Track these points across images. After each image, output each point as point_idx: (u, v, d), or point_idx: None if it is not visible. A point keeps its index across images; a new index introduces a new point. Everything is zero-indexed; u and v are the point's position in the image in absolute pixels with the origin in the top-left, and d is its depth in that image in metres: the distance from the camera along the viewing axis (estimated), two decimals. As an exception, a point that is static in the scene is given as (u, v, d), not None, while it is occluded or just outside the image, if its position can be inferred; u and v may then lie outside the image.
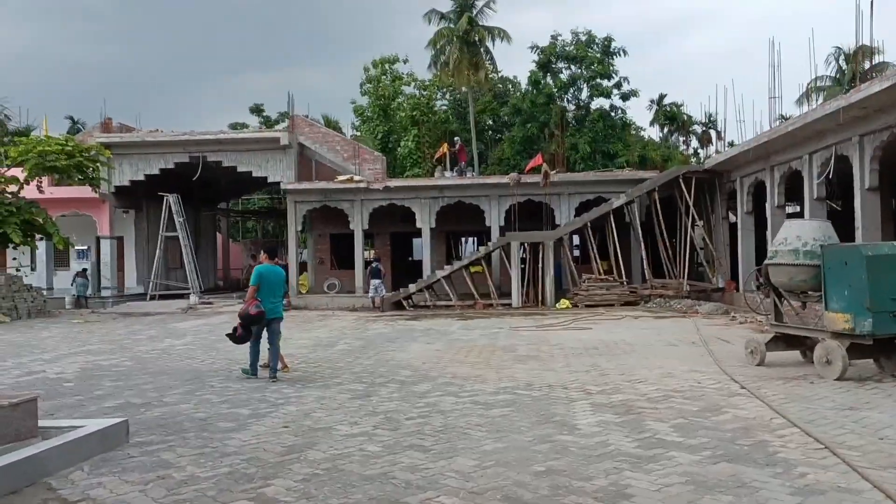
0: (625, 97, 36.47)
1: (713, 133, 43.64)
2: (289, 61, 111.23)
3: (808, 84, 34.38)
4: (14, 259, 25.91)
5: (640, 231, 23.26)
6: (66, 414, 7.61)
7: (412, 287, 23.40)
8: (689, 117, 44.31)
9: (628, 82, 36.19)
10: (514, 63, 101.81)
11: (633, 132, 39.76)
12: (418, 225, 25.22)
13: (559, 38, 36.70)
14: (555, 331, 15.45)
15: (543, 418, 6.94)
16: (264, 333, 9.77)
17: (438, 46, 36.58)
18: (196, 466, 5.53)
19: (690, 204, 22.26)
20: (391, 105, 38.92)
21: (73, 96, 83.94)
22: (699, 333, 14.03)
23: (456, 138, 30.81)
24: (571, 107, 37.53)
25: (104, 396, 8.63)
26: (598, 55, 35.62)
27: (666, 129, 45.35)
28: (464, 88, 37.78)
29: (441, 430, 6.52)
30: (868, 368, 8.95)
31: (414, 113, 37.38)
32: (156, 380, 9.81)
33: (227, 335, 9.99)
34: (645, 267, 22.90)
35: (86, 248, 28.12)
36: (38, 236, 23.60)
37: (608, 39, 36.12)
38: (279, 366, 9.86)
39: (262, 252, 10.40)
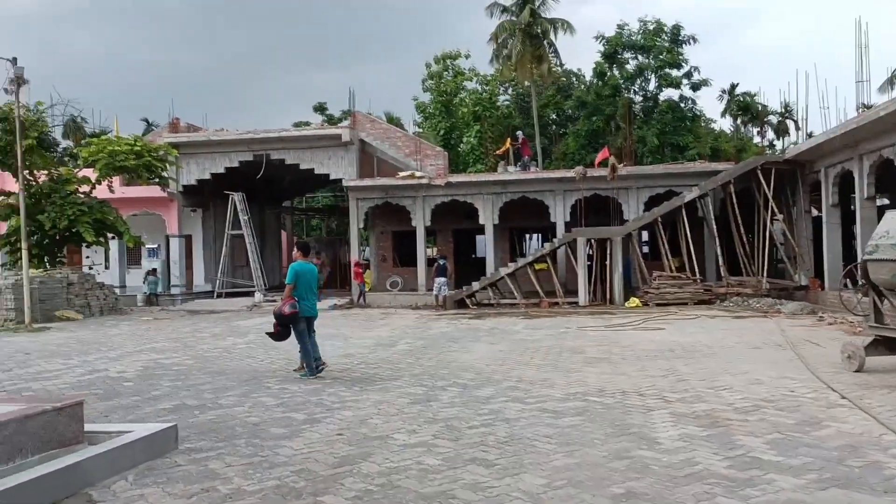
0: (695, 87, 35.01)
1: (790, 123, 41.64)
2: (351, 59, 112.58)
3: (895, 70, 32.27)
4: (87, 258, 26.68)
5: (714, 226, 22.10)
6: (120, 416, 7.45)
7: (475, 285, 22.89)
8: (765, 107, 42.26)
9: (699, 72, 34.79)
10: (578, 55, 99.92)
11: (703, 124, 38.19)
12: (481, 221, 24.73)
13: (626, 27, 35.52)
14: (625, 331, 14.69)
15: (619, 430, 6.32)
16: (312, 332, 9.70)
17: (500, 40, 35.88)
18: (243, 478, 5.17)
19: (770, 197, 20.99)
20: (453, 101, 38.46)
21: (147, 98, 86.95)
22: (784, 335, 13.03)
23: (518, 133, 30.11)
24: (639, 98, 36.30)
25: (160, 397, 8.45)
26: (667, 44, 34.30)
27: (739, 120, 43.45)
28: (526, 82, 36.96)
29: (506, 442, 5.99)
30: None
31: (476, 108, 36.80)
32: (214, 380, 9.62)
33: (267, 333, 9.96)
34: (720, 264, 21.71)
35: (156, 246, 28.69)
36: (109, 235, 24.16)
37: (677, 27, 34.75)
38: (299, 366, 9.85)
39: (295, 249, 10.11)
